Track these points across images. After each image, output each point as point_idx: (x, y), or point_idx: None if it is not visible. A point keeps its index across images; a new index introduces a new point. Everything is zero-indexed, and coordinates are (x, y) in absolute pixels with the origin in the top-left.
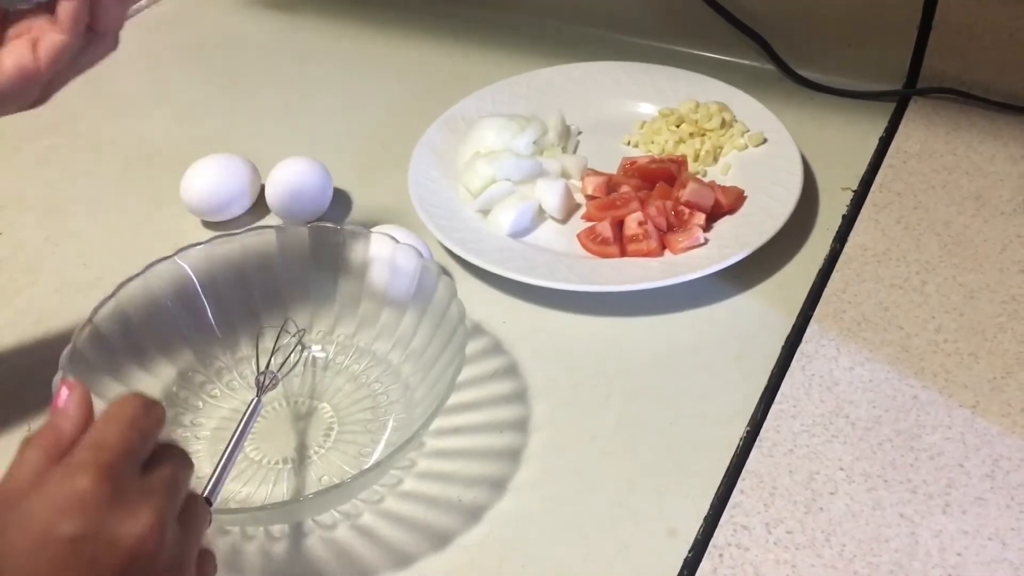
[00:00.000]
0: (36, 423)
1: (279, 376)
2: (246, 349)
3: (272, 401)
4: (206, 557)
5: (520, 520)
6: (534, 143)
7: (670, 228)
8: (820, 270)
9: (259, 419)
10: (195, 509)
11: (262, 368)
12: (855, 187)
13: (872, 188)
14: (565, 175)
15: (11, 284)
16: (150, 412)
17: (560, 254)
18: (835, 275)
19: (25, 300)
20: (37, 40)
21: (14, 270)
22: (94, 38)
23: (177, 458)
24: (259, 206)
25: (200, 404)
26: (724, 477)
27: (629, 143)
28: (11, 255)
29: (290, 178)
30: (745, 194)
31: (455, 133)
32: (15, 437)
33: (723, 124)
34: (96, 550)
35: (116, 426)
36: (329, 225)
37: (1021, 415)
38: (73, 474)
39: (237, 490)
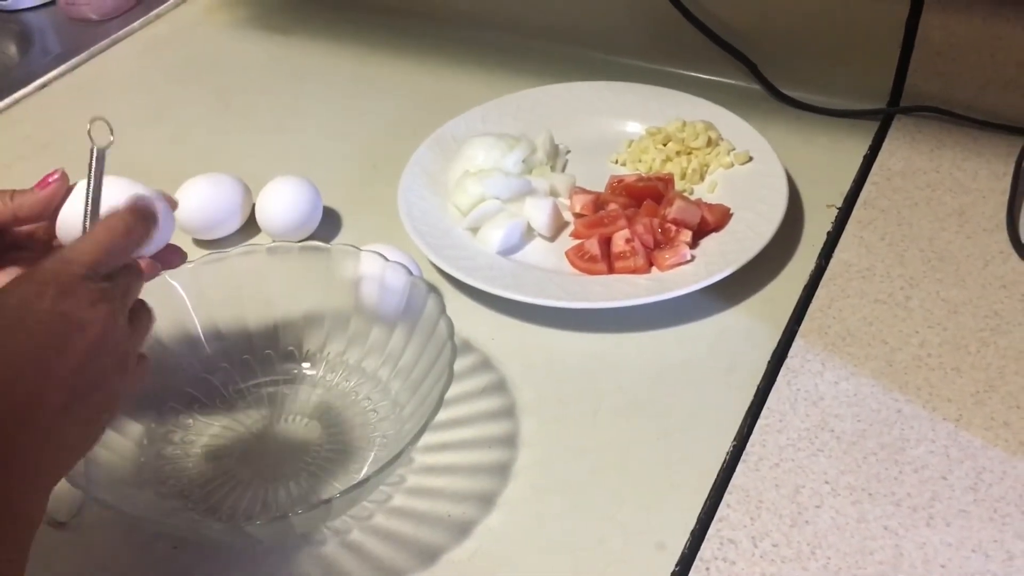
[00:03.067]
0: None
1: None
2: (235, 367)
3: (261, 418)
4: (142, 314)
5: (509, 535)
6: (523, 162)
7: (657, 245)
8: (805, 286)
9: (249, 435)
10: (144, 313)
11: None
12: (840, 204)
13: (856, 205)
14: (553, 193)
15: None
16: (130, 234)
17: (548, 271)
18: (820, 291)
19: None
20: None
21: None
22: None
23: (133, 272)
24: (250, 225)
25: (190, 421)
26: (711, 491)
27: (617, 162)
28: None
29: (281, 197)
30: (731, 211)
31: (445, 152)
32: None
33: (709, 143)
34: (68, 328)
35: (88, 245)
36: (319, 244)
37: (1004, 428)
38: (56, 267)
39: (226, 506)
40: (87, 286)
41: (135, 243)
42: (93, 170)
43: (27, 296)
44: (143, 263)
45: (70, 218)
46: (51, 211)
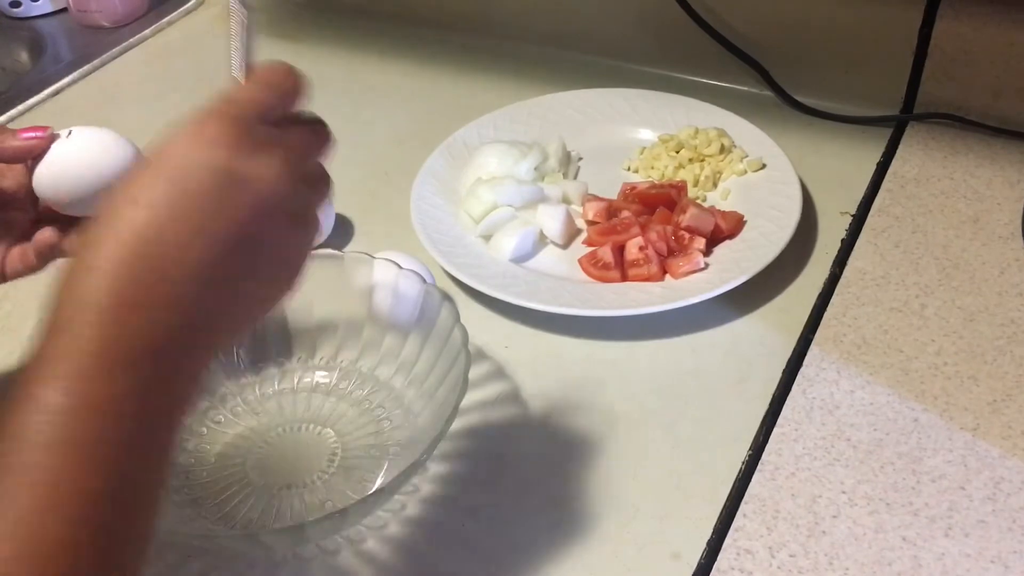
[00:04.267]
0: None
1: None
2: (249, 375)
3: (276, 427)
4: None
5: (523, 546)
6: (535, 169)
7: (671, 253)
8: (820, 294)
9: (263, 444)
10: (321, 176)
11: None
12: (854, 211)
13: (870, 212)
14: (566, 201)
15: (17, 311)
16: (290, 75)
17: (562, 279)
18: (835, 299)
19: (31, 327)
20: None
21: (18, 298)
22: None
23: (317, 125)
24: None
25: (204, 430)
26: (727, 501)
27: (629, 169)
28: (15, 284)
29: None
30: (745, 219)
31: (457, 160)
32: None
33: (722, 150)
34: (229, 184)
35: (252, 84)
36: (333, 251)
37: (1022, 438)
38: (203, 120)
39: (240, 514)
40: (254, 133)
41: (301, 87)
42: (243, 23)
43: (185, 152)
44: None
45: (49, 174)
46: (29, 157)
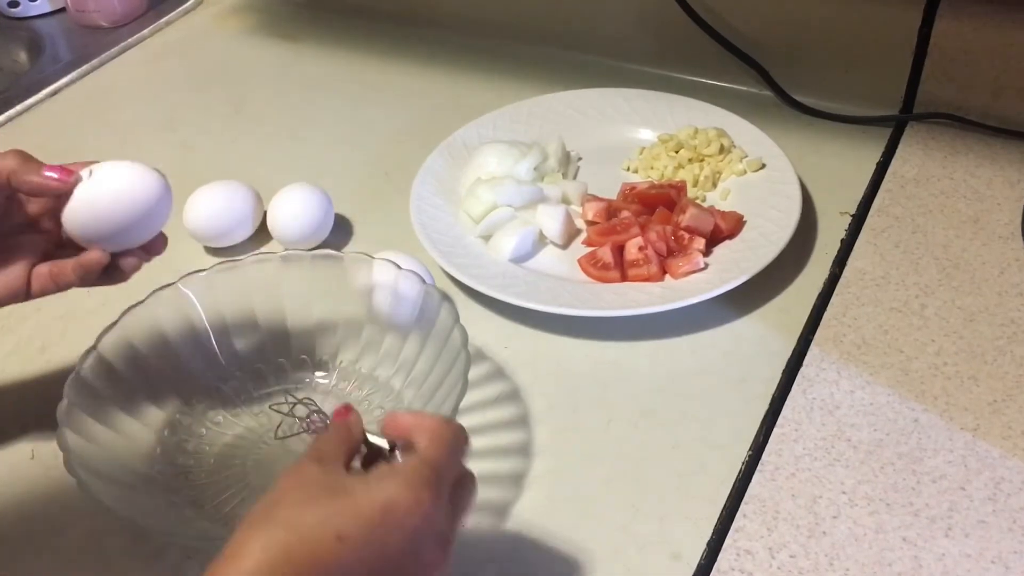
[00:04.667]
0: (40, 448)
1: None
2: (248, 376)
3: (274, 427)
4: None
5: (523, 546)
6: (535, 169)
7: (670, 253)
8: (820, 294)
9: (262, 444)
10: (467, 490)
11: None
12: (853, 211)
13: (870, 212)
14: (566, 201)
15: (16, 311)
16: (465, 440)
17: (561, 279)
18: (835, 299)
19: (30, 327)
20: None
21: None
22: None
23: (470, 477)
24: (261, 233)
25: (203, 431)
26: (727, 501)
27: (629, 169)
28: None
29: (292, 205)
30: (744, 219)
31: (457, 160)
32: (19, 462)
33: (722, 150)
34: (425, 545)
35: (447, 451)
36: (333, 252)
37: (1022, 438)
38: (416, 473)
39: (240, 515)
40: (444, 494)
41: (468, 443)
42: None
43: (402, 504)
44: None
45: (75, 217)
46: (48, 195)
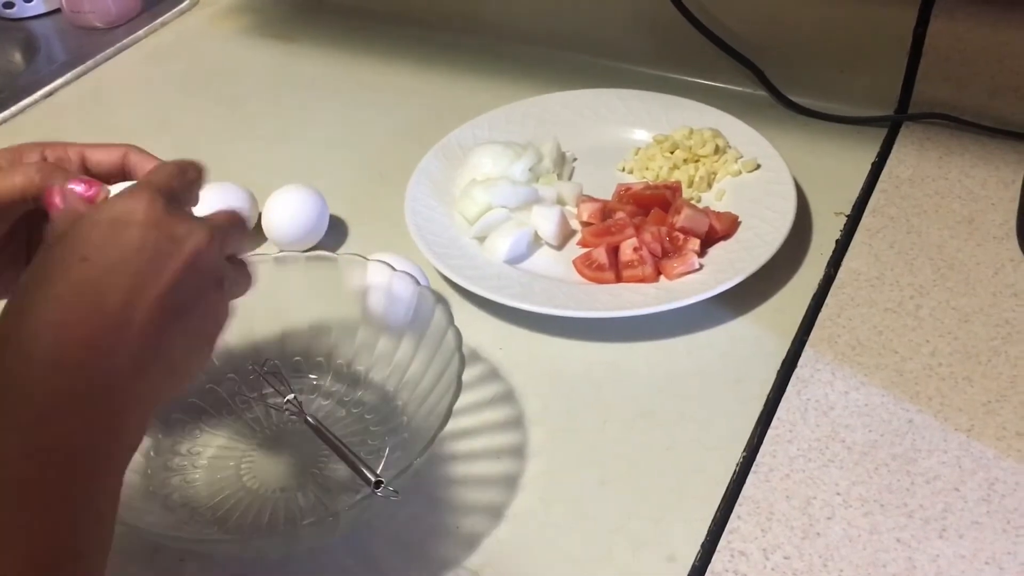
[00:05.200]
0: None
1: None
2: (242, 377)
3: (268, 429)
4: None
5: (518, 548)
6: (530, 170)
7: (665, 254)
8: (814, 295)
9: (256, 446)
10: (242, 269)
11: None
12: (848, 212)
13: (865, 213)
14: (561, 202)
15: None
16: (190, 166)
17: (556, 280)
18: (829, 300)
19: None
20: None
21: None
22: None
23: (235, 216)
24: (256, 234)
25: (198, 432)
26: (721, 502)
27: (624, 170)
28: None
29: (287, 206)
30: (739, 220)
31: (451, 161)
32: None
33: (717, 150)
34: (160, 242)
35: (159, 171)
36: (326, 253)
37: (1016, 438)
38: (133, 192)
39: (232, 518)
40: (177, 209)
41: (199, 178)
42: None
43: (121, 212)
44: None
45: None
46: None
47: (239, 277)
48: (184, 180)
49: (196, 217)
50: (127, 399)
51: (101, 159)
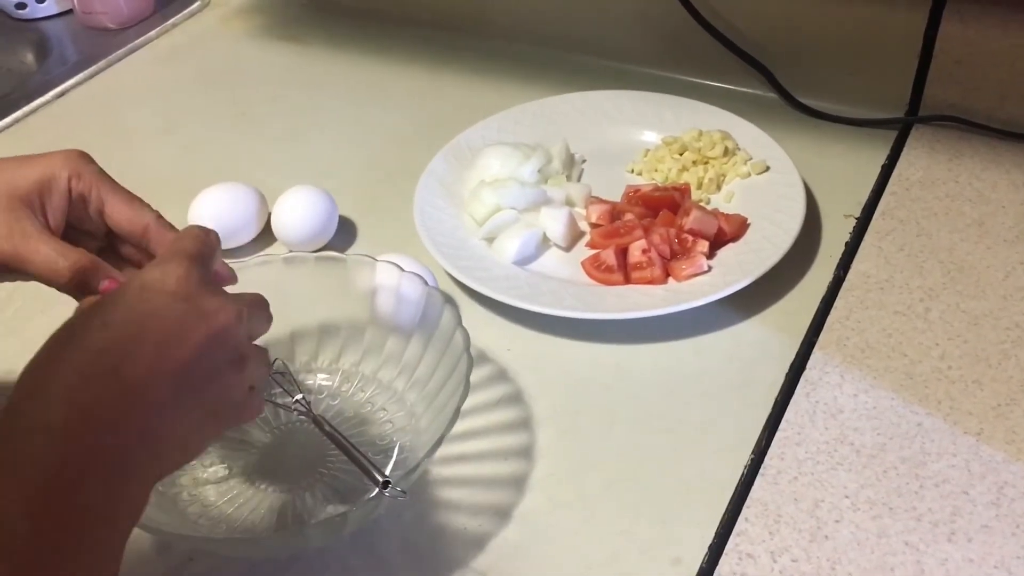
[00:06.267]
0: None
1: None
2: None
3: (277, 429)
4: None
5: (525, 549)
6: (539, 171)
7: (674, 256)
8: (823, 297)
9: (265, 446)
10: (261, 355)
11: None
12: (858, 214)
13: (875, 215)
14: (569, 203)
15: (22, 312)
16: (209, 234)
17: (564, 281)
18: (838, 302)
19: (35, 329)
20: None
21: (25, 298)
22: None
23: (262, 299)
24: (265, 234)
25: None
26: (729, 505)
27: (633, 171)
28: (22, 283)
29: (296, 207)
30: (748, 222)
31: (460, 162)
32: None
33: (726, 152)
34: (187, 313)
35: (188, 239)
36: (335, 254)
37: None
38: (166, 261)
39: (240, 518)
40: (210, 283)
41: (216, 247)
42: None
43: (152, 280)
44: None
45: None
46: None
47: (259, 360)
48: (210, 247)
49: (227, 294)
50: (131, 472)
51: (122, 222)
